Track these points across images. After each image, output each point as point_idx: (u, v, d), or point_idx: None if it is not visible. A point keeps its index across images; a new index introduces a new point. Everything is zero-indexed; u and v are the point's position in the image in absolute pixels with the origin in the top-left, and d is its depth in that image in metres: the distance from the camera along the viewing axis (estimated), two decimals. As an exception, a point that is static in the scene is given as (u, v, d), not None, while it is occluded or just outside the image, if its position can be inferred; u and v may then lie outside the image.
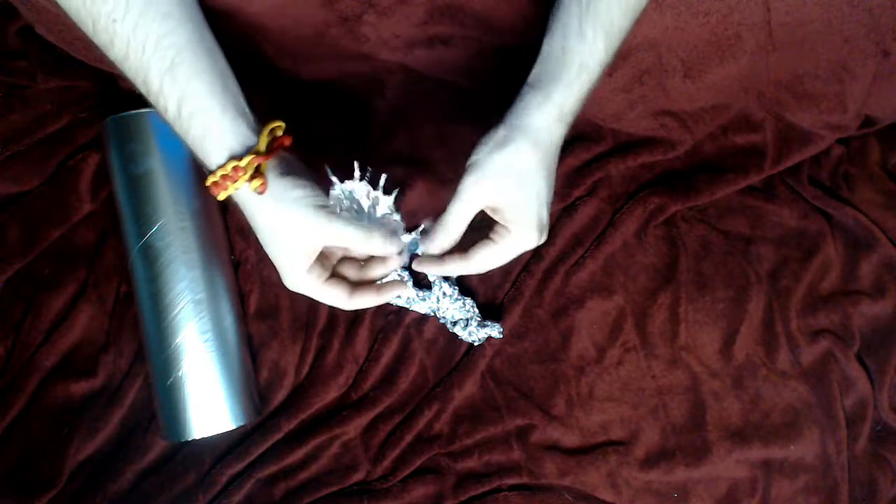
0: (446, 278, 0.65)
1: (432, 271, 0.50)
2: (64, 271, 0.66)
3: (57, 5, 0.45)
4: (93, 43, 0.45)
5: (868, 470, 0.64)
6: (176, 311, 0.59)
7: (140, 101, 0.56)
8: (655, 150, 0.69)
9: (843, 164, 0.71)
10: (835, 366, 0.65)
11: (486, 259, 0.47)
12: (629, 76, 0.63)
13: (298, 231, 0.45)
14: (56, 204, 0.67)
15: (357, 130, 0.67)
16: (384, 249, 0.46)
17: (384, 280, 0.51)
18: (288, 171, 0.46)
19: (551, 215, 0.66)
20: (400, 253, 0.48)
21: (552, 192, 0.46)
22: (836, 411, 0.64)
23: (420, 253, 0.50)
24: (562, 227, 0.67)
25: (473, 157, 0.45)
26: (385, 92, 0.67)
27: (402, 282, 0.52)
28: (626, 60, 0.61)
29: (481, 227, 0.49)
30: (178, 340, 0.59)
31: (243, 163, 0.43)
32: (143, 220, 0.59)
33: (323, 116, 0.67)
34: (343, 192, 0.48)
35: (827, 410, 0.64)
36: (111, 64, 0.46)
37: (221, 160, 0.44)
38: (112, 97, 0.68)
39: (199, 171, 0.63)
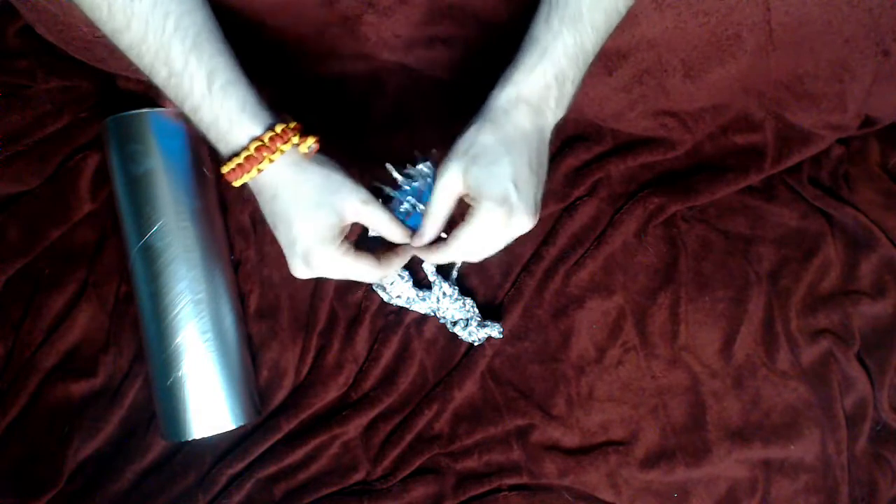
0: (446, 278, 0.65)
1: (424, 258, 0.50)
2: (64, 271, 0.66)
3: (57, 6, 0.45)
4: (94, 41, 0.45)
5: (868, 470, 0.64)
6: (176, 311, 0.59)
7: (140, 101, 0.55)
8: (655, 150, 0.69)
9: (843, 164, 0.71)
10: (835, 366, 0.65)
11: (462, 240, 0.47)
12: (629, 76, 0.63)
13: (341, 196, 0.45)
14: (56, 204, 0.67)
15: (357, 130, 0.67)
16: (403, 237, 0.49)
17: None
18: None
19: (551, 215, 0.67)
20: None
21: (524, 172, 0.45)
22: (836, 411, 0.64)
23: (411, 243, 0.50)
24: (562, 227, 0.67)
25: (454, 143, 0.47)
26: (385, 92, 0.67)
27: (410, 231, 0.52)
28: (626, 60, 0.61)
29: None
30: (178, 340, 0.59)
31: (292, 125, 0.44)
32: (143, 220, 0.59)
33: (323, 116, 0.67)
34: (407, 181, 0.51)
35: (827, 410, 0.64)
36: (113, 64, 0.46)
37: (259, 131, 0.44)
38: (112, 97, 0.68)
39: (199, 171, 0.63)
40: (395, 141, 0.67)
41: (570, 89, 0.47)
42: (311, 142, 0.44)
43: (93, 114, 0.68)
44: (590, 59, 0.47)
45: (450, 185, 0.46)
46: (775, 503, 0.63)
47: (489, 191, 0.44)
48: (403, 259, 0.51)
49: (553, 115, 0.47)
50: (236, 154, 0.44)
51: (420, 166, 0.52)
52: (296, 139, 0.44)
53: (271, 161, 0.44)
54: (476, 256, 0.48)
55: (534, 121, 0.46)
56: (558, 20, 0.45)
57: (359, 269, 0.48)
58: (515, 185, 0.45)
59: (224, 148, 0.45)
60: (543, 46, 0.45)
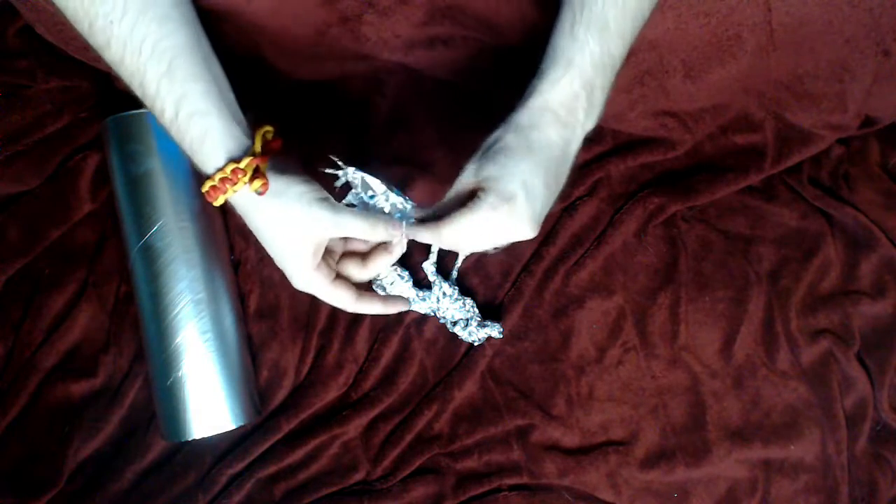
0: (446, 278, 0.65)
1: (413, 236, 0.49)
2: (64, 271, 0.66)
3: (55, 5, 0.46)
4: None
5: (868, 470, 0.64)
6: (176, 311, 0.59)
7: (140, 101, 0.55)
8: (655, 150, 0.69)
9: (843, 164, 0.71)
10: (835, 366, 0.65)
11: (456, 225, 0.45)
12: (630, 76, 0.63)
13: (304, 226, 0.45)
14: (56, 204, 0.67)
15: (357, 130, 0.67)
16: (388, 235, 0.48)
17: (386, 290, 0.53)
18: (285, 169, 0.46)
19: (551, 215, 0.67)
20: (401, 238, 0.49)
21: (541, 180, 0.45)
22: (836, 411, 0.64)
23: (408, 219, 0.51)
24: (562, 227, 0.67)
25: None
26: (385, 92, 0.67)
27: (404, 299, 0.55)
28: (626, 61, 0.61)
29: None
30: (178, 340, 0.59)
31: (243, 164, 0.43)
32: (143, 220, 0.59)
33: (323, 116, 0.67)
34: (354, 178, 0.51)
35: (827, 410, 0.64)
36: (108, 64, 0.46)
37: (220, 162, 0.44)
38: (112, 97, 0.68)
39: (198, 171, 0.63)
40: (395, 141, 0.67)
41: (599, 97, 0.46)
42: (257, 185, 0.44)
43: (93, 114, 0.68)
44: (618, 64, 0.47)
45: (464, 182, 0.46)
46: (775, 503, 0.63)
47: (497, 186, 0.44)
48: (385, 309, 0.52)
49: (582, 127, 0.46)
50: (209, 176, 0.45)
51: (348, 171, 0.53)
52: (245, 179, 0.43)
53: (228, 195, 0.44)
54: (463, 246, 0.48)
55: (560, 133, 0.45)
56: (584, 29, 0.44)
57: (335, 297, 0.49)
58: (525, 189, 0.44)
59: (198, 168, 0.46)
60: (569, 57, 0.44)
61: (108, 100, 0.68)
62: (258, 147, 0.44)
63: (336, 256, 0.52)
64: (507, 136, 0.45)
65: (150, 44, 0.43)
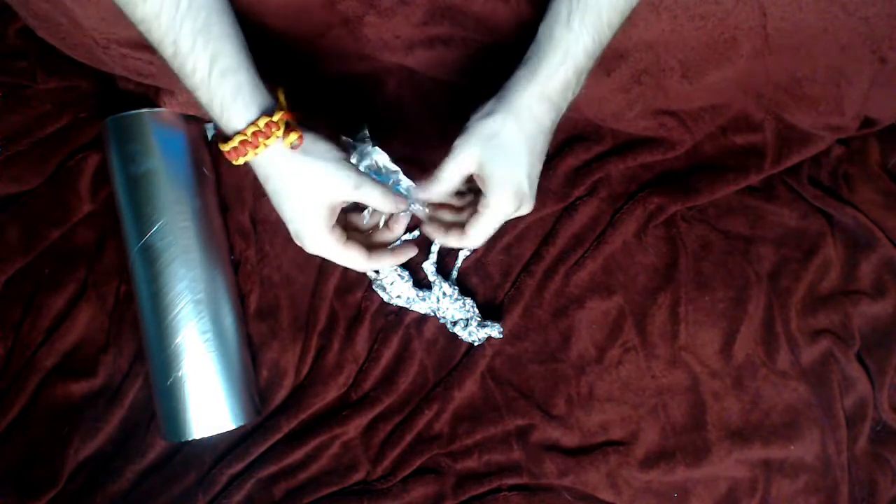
0: (446, 278, 0.65)
1: (437, 239, 0.53)
2: (64, 271, 0.66)
3: (58, 10, 0.45)
4: (96, 45, 0.45)
5: (868, 470, 0.64)
6: (176, 311, 0.59)
7: (140, 101, 0.56)
8: (655, 150, 0.69)
9: (843, 164, 0.71)
10: (835, 366, 0.65)
11: (479, 229, 0.49)
12: (627, 76, 0.63)
13: (329, 184, 0.46)
14: (56, 204, 0.67)
15: (357, 130, 0.67)
16: (397, 206, 0.50)
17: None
18: (311, 128, 0.48)
19: (551, 215, 0.67)
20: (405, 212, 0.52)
21: (536, 165, 0.49)
22: (836, 411, 0.64)
23: (415, 204, 0.53)
24: (562, 227, 0.67)
25: (467, 124, 0.49)
26: (385, 92, 0.67)
27: (414, 243, 0.55)
28: (624, 60, 0.61)
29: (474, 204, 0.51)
30: (178, 340, 0.59)
31: (276, 117, 0.44)
32: (143, 219, 0.59)
33: (323, 116, 0.67)
34: (371, 150, 0.53)
35: (827, 410, 0.64)
36: (112, 66, 0.46)
37: (253, 116, 0.45)
38: (112, 97, 0.68)
39: (199, 171, 0.63)
40: (395, 141, 0.67)
41: (584, 80, 0.49)
42: (293, 138, 0.45)
43: (93, 114, 0.69)
44: (602, 49, 0.49)
45: (464, 163, 0.48)
46: (775, 503, 0.63)
47: (505, 186, 0.47)
48: (395, 259, 0.53)
49: (567, 104, 0.49)
50: (232, 136, 0.45)
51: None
52: (279, 133, 0.44)
53: (259, 150, 0.45)
54: (483, 241, 0.51)
55: (550, 116, 0.48)
56: (579, 21, 0.46)
57: (347, 257, 0.50)
58: (529, 178, 0.48)
59: (223, 128, 0.46)
60: (565, 48, 0.46)
61: (108, 100, 0.68)
62: (284, 103, 0.46)
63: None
64: (508, 125, 0.47)
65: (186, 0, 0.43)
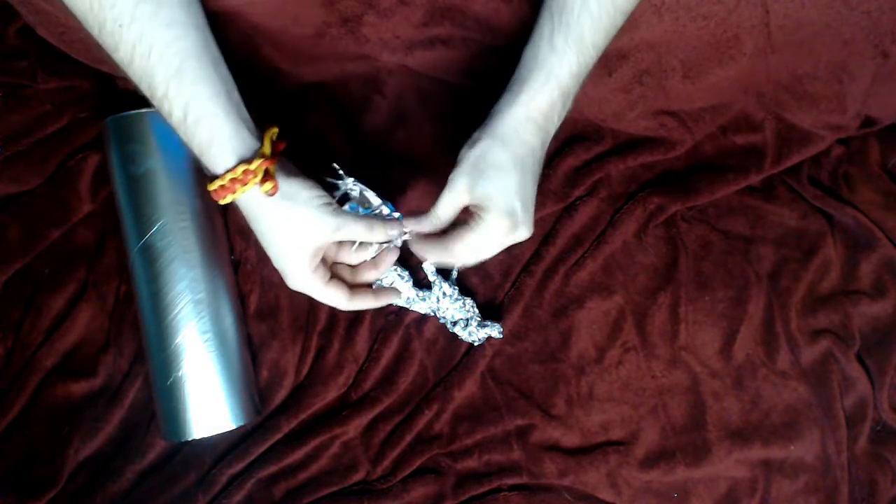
0: (446, 278, 0.65)
1: (417, 252, 0.53)
2: (64, 271, 0.66)
3: (58, 8, 0.46)
4: (97, 44, 0.45)
5: (868, 470, 0.64)
6: (176, 311, 0.59)
7: (140, 100, 0.56)
8: (655, 150, 0.69)
9: (843, 164, 0.71)
10: (835, 366, 0.65)
11: (465, 244, 0.49)
12: (629, 76, 0.63)
13: (309, 229, 0.47)
14: (56, 204, 0.67)
15: (357, 130, 0.67)
16: (386, 235, 0.51)
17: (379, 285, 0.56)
18: (291, 171, 0.48)
19: (551, 215, 0.67)
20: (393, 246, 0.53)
21: (529, 187, 0.48)
22: (836, 411, 0.64)
23: (407, 234, 0.53)
24: (562, 227, 0.67)
25: (460, 154, 0.49)
26: (385, 92, 0.67)
27: (395, 290, 0.58)
28: (625, 61, 0.61)
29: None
30: (178, 340, 0.59)
31: (253, 166, 0.44)
32: (143, 219, 0.59)
33: (323, 116, 0.67)
34: (353, 189, 0.54)
35: (827, 410, 0.64)
36: (113, 66, 0.46)
37: (230, 164, 0.44)
38: (112, 97, 0.68)
39: (199, 171, 0.63)
40: (394, 141, 0.67)
41: (570, 103, 0.49)
42: (268, 187, 0.44)
43: (93, 114, 0.68)
44: (588, 72, 0.49)
45: (456, 196, 0.48)
46: (775, 503, 0.63)
47: (496, 204, 0.47)
48: (377, 301, 0.55)
49: (554, 127, 0.49)
50: (218, 176, 0.45)
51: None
52: (256, 181, 0.44)
53: (238, 195, 0.45)
54: (472, 261, 0.51)
55: (538, 137, 0.48)
56: (563, 40, 0.46)
57: (329, 296, 0.51)
58: (521, 200, 0.47)
59: (205, 169, 0.47)
60: (549, 68, 0.47)
61: (108, 100, 0.68)
62: (267, 149, 0.45)
63: (329, 262, 0.54)
64: (494, 149, 0.47)
65: (158, 48, 0.43)
